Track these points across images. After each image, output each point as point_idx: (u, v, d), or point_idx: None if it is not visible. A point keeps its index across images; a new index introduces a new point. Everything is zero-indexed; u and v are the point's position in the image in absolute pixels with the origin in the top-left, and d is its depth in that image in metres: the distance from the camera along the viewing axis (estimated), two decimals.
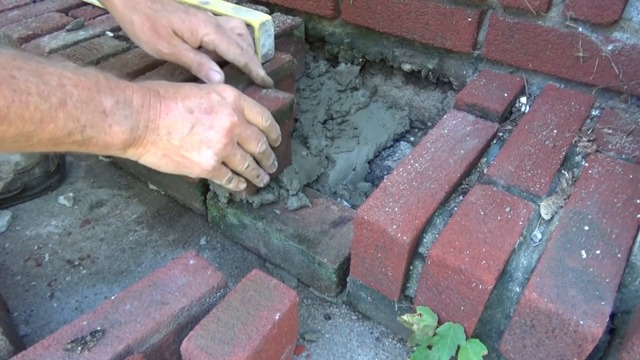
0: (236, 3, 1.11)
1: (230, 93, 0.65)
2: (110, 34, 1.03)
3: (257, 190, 0.86)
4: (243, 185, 0.75)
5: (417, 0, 0.99)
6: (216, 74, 0.76)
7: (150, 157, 0.61)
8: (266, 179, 0.77)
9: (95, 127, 0.53)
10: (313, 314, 0.82)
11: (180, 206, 1.03)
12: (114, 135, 0.55)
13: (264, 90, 0.81)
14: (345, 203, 0.95)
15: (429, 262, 0.61)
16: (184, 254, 0.68)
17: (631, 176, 0.69)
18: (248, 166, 0.70)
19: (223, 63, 0.80)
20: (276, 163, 0.77)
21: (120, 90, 0.56)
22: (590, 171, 0.70)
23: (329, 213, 0.86)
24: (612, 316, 0.55)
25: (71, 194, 1.05)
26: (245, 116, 0.67)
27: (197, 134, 0.61)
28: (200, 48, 0.76)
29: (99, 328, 0.58)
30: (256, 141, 0.69)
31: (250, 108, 0.67)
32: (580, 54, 0.87)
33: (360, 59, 1.21)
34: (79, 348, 0.55)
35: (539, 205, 0.66)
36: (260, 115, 0.69)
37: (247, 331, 0.57)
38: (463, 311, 0.62)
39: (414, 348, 0.66)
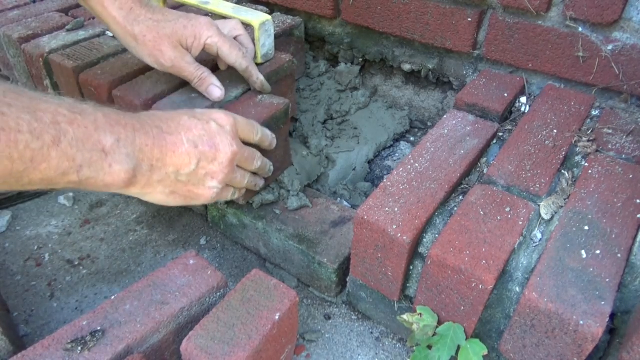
0: (236, 3, 1.11)
1: (226, 120, 0.65)
2: (110, 34, 1.03)
3: (257, 191, 0.86)
4: (243, 192, 0.76)
5: (417, 0, 0.99)
6: (217, 89, 0.77)
7: (158, 195, 0.61)
8: (261, 183, 0.79)
9: (93, 166, 0.51)
10: (313, 314, 0.82)
11: (180, 206, 1.03)
12: (115, 174, 0.53)
13: (260, 96, 0.82)
14: (345, 203, 0.95)
15: (429, 262, 0.61)
16: (184, 254, 0.68)
17: (631, 176, 0.69)
18: (247, 181, 0.72)
19: (215, 67, 0.81)
20: (272, 168, 0.78)
21: (121, 128, 0.54)
22: (590, 171, 0.70)
23: (329, 213, 0.86)
24: (612, 316, 0.55)
25: (71, 194, 1.05)
26: (239, 136, 0.67)
27: (202, 168, 0.62)
28: (202, 51, 0.76)
29: (99, 328, 0.58)
30: (252, 160, 0.70)
31: (243, 128, 0.68)
32: (580, 54, 0.87)
33: (360, 59, 1.21)
34: (79, 348, 0.55)
35: (539, 205, 0.66)
36: (251, 133, 0.70)
37: (247, 331, 0.57)
38: (463, 311, 0.62)
39: (414, 348, 0.66)
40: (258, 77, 0.80)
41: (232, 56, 0.75)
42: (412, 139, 1.18)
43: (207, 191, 0.64)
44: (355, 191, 1.00)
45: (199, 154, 0.60)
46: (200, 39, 0.73)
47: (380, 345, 0.77)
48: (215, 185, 0.64)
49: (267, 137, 0.74)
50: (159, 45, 0.71)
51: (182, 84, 0.86)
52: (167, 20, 0.72)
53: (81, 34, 1.02)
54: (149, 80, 0.86)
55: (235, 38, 0.81)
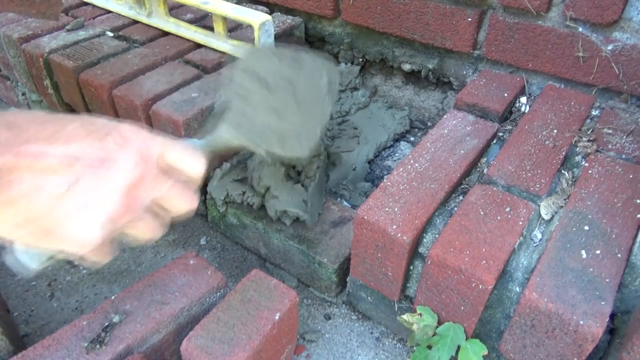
0: (236, 3, 1.11)
1: (138, 136, 0.45)
2: (110, 34, 1.03)
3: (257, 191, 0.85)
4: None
5: (417, 0, 0.99)
6: None
7: (2, 224, 0.41)
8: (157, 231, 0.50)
9: None
10: (313, 314, 0.82)
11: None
12: None
13: None
14: (345, 203, 0.95)
15: (429, 262, 0.61)
16: (184, 254, 0.68)
17: (631, 176, 0.69)
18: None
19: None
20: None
21: None
22: (590, 171, 0.70)
23: (329, 213, 0.86)
24: (612, 316, 0.55)
25: None
26: (166, 163, 0.46)
27: (79, 194, 0.41)
28: None
29: (107, 323, 0.58)
30: (179, 198, 0.47)
31: (176, 157, 0.46)
32: (580, 54, 0.87)
33: (360, 59, 1.21)
34: (97, 346, 0.56)
35: (539, 205, 0.66)
36: (191, 165, 0.47)
37: (247, 331, 0.57)
38: (463, 311, 0.62)
39: (414, 348, 0.66)
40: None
41: None
42: (412, 139, 1.18)
43: (81, 233, 0.42)
44: (355, 191, 1.00)
45: (77, 173, 0.41)
46: None
47: (380, 345, 0.77)
48: (97, 226, 0.42)
49: (200, 177, 0.48)
50: None
51: (182, 84, 0.86)
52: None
53: (81, 34, 1.02)
54: (149, 80, 0.87)
55: None
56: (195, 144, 0.53)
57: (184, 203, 0.48)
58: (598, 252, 0.58)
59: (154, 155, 0.46)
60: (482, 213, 0.65)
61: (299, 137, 0.61)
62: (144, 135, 0.46)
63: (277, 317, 0.59)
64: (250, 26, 0.84)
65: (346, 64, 1.22)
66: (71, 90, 0.95)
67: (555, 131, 0.79)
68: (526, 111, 0.88)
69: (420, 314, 0.65)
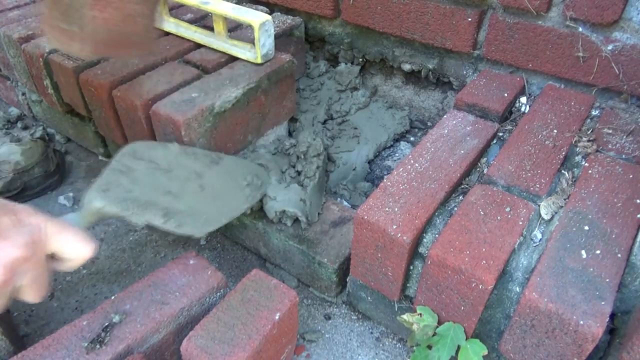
0: (236, 3, 1.11)
1: (32, 219, 0.49)
2: None
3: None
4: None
5: (417, 0, 0.99)
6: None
7: None
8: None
9: None
10: (313, 314, 0.82)
11: None
12: None
13: None
14: (345, 203, 0.95)
15: (429, 262, 0.61)
16: (184, 254, 0.68)
17: (631, 176, 0.69)
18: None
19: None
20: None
21: None
22: (590, 171, 0.70)
23: (329, 213, 0.86)
24: (612, 316, 0.55)
25: (71, 194, 1.05)
26: (54, 249, 0.51)
27: None
28: None
29: (107, 323, 0.58)
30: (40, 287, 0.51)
31: (65, 245, 0.52)
32: (580, 54, 0.87)
33: (360, 59, 1.21)
34: (97, 346, 0.56)
35: (539, 205, 0.66)
36: (78, 252, 0.53)
37: (247, 331, 0.57)
38: (463, 311, 0.62)
39: (414, 348, 0.66)
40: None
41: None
42: (412, 139, 1.18)
43: None
44: (355, 191, 1.00)
45: None
46: None
47: (380, 345, 0.77)
48: None
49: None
50: None
51: (182, 84, 0.86)
52: None
53: None
54: (149, 80, 0.87)
55: None
56: (75, 219, 0.60)
57: (37, 291, 0.51)
58: (598, 252, 0.58)
59: (44, 240, 0.50)
60: (482, 213, 0.65)
61: (196, 218, 0.69)
62: (38, 218, 0.50)
63: (277, 317, 0.59)
64: (250, 26, 0.84)
65: (346, 64, 1.22)
66: (71, 90, 0.95)
67: (555, 131, 0.79)
68: (526, 111, 0.88)
69: (420, 314, 0.65)
